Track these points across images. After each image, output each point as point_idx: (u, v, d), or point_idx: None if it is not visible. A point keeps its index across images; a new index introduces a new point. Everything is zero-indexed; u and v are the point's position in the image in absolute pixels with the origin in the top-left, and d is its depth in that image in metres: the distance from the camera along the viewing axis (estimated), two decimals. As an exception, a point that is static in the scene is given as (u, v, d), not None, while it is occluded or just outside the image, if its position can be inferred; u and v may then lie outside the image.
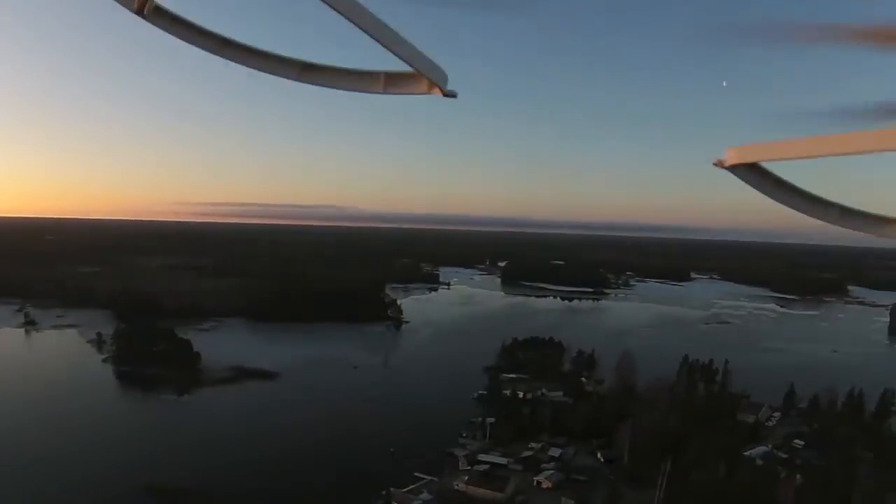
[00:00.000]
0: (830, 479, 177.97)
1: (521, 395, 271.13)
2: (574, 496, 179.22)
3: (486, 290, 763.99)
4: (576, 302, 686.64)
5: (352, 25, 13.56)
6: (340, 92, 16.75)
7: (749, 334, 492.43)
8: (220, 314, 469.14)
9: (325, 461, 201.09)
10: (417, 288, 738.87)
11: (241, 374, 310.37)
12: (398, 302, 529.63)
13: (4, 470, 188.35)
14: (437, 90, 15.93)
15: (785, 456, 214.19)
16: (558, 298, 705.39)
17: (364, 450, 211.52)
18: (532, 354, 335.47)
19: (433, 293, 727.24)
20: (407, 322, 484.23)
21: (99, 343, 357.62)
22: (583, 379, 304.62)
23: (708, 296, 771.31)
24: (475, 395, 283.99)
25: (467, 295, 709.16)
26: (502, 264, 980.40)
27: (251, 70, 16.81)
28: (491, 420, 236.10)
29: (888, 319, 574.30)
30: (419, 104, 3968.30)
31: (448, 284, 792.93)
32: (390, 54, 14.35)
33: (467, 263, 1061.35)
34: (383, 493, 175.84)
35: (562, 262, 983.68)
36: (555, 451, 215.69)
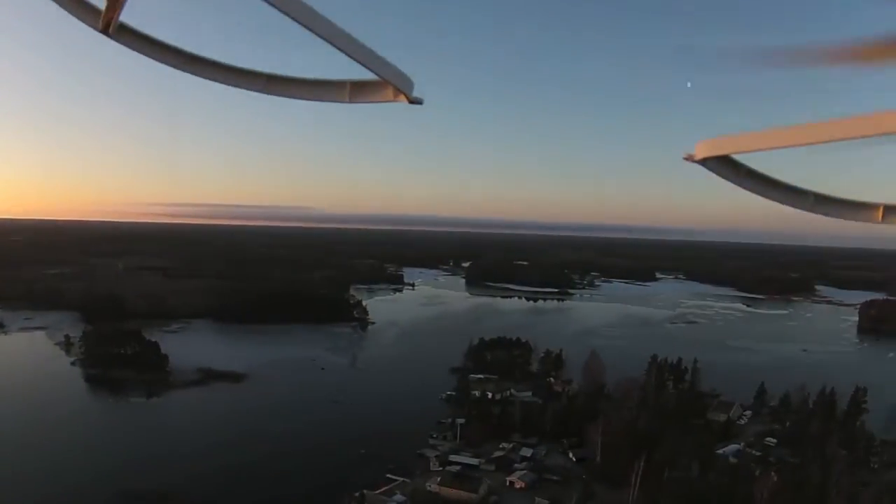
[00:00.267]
0: (805, 476, 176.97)
1: (490, 395, 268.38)
2: (547, 496, 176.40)
3: (450, 291, 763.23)
4: (541, 302, 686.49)
5: (315, 36, 13.63)
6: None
7: (716, 334, 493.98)
8: (187, 316, 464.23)
9: (295, 463, 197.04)
10: (382, 289, 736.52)
11: (210, 376, 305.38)
12: (363, 303, 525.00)
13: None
14: (402, 97, 16.12)
15: (758, 454, 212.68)
16: (523, 299, 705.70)
17: (334, 451, 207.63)
18: (499, 355, 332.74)
19: (398, 294, 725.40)
20: (373, 323, 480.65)
21: (67, 345, 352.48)
22: (551, 379, 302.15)
23: (674, 296, 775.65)
24: (443, 395, 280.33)
25: (432, 295, 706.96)
26: (466, 265, 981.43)
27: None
28: (461, 421, 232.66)
29: (857, 318, 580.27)
30: (382, 106, 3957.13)
31: (412, 285, 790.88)
32: (356, 64, 14.52)
33: (431, 264, 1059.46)
34: (356, 494, 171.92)
35: (525, 263, 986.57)
36: (526, 451, 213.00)
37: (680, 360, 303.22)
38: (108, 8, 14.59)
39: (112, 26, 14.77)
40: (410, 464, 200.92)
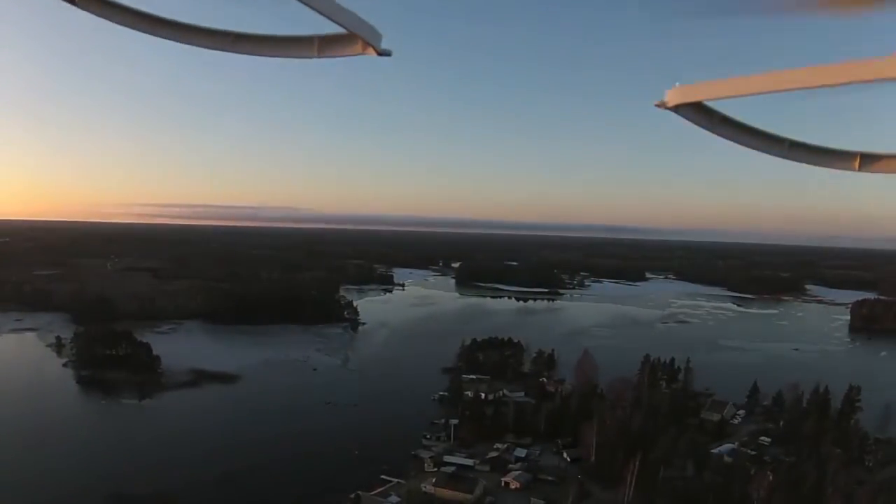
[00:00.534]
0: (801, 475, 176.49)
1: (483, 395, 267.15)
2: (542, 496, 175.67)
3: (440, 291, 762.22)
4: (531, 302, 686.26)
5: None
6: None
7: (708, 333, 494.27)
8: (177, 317, 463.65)
9: (290, 464, 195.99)
10: (372, 289, 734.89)
11: (202, 377, 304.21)
12: (354, 303, 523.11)
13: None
14: (371, 50, 16.03)
15: (752, 453, 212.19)
16: (513, 299, 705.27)
17: (328, 453, 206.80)
18: (491, 355, 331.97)
19: (388, 294, 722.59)
20: (364, 323, 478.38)
21: (58, 347, 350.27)
22: (543, 379, 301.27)
23: (664, 295, 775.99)
24: (436, 396, 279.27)
25: (422, 296, 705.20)
26: (456, 265, 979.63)
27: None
28: (454, 421, 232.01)
29: (849, 318, 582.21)
30: (371, 105, 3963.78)
31: (402, 285, 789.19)
32: (324, 20, 14.49)
33: (420, 265, 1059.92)
34: (351, 496, 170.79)
35: (515, 263, 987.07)
36: (520, 452, 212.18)
37: (673, 359, 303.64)
38: None
39: None
40: (405, 465, 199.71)
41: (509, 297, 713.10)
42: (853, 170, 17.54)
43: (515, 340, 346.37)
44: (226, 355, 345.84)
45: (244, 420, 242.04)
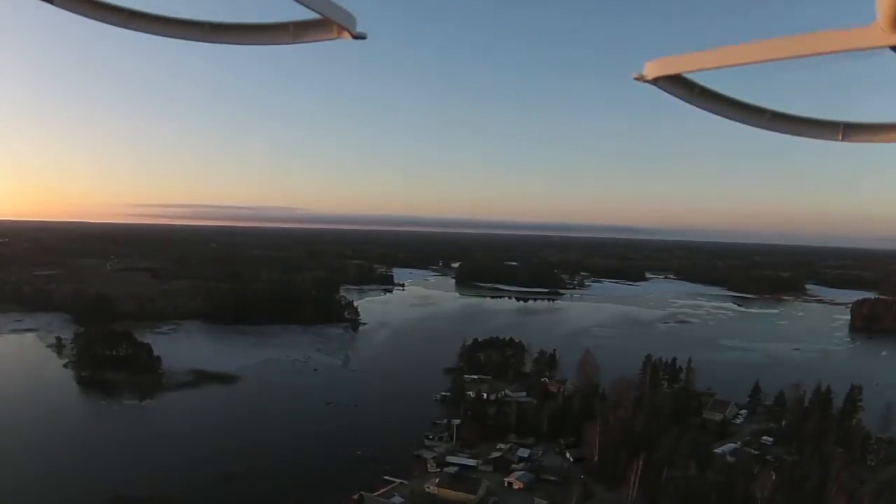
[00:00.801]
0: (804, 474, 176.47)
1: (485, 396, 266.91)
2: (546, 496, 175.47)
3: (440, 291, 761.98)
4: (531, 302, 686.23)
5: None
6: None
7: (709, 333, 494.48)
8: (177, 317, 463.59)
9: (292, 465, 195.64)
10: (372, 289, 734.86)
11: (203, 378, 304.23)
12: (354, 303, 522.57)
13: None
14: (346, 34, 16.16)
15: (755, 452, 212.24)
16: (513, 299, 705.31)
17: (331, 453, 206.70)
18: (492, 355, 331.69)
19: (388, 294, 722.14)
20: (364, 324, 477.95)
21: (59, 347, 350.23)
22: (545, 379, 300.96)
23: (664, 295, 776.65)
24: (438, 396, 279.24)
25: (422, 296, 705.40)
26: (456, 265, 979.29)
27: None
28: (457, 421, 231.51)
29: (849, 317, 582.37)
30: (370, 105, 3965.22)
31: (402, 286, 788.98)
32: (299, 7, 14.67)
33: (420, 265, 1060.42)
34: (355, 497, 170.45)
35: (515, 263, 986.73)
36: (523, 452, 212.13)
37: (674, 359, 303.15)
38: None
39: None
40: (407, 465, 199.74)
41: (509, 297, 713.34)
42: (837, 139, 17.53)
43: (517, 340, 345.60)
44: (226, 356, 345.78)
45: (245, 421, 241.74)
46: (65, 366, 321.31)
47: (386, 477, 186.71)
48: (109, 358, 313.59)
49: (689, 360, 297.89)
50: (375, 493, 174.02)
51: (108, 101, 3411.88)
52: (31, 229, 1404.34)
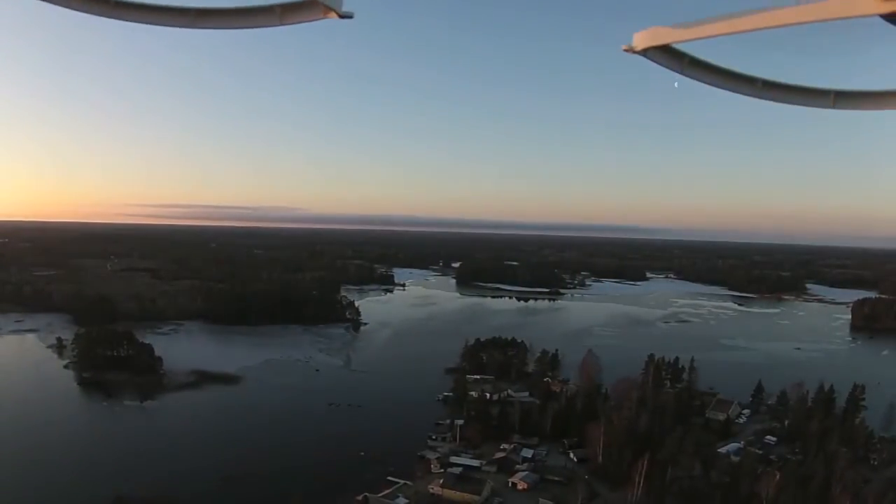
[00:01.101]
0: (808, 474, 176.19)
1: (488, 396, 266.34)
2: (550, 497, 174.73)
3: (441, 291, 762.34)
4: (532, 302, 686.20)
5: None
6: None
7: (710, 332, 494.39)
8: (177, 317, 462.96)
9: (294, 466, 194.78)
10: (373, 289, 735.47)
11: (204, 378, 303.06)
12: (355, 303, 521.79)
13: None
14: (332, 14, 16.24)
15: (759, 452, 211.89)
16: (514, 299, 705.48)
17: (334, 454, 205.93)
18: (495, 355, 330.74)
19: (389, 294, 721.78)
20: (365, 324, 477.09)
21: (59, 348, 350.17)
22: (547, 379, 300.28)
23: (665, 295, 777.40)
24: (440, 396, 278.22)
25: (423, 296, 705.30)
26: (456, 265, 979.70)
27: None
28: (460, 421, 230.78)
29: (850, 317, 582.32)
30: (368, 105, 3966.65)
31: (403, 285, 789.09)
32: None
33: (420, 264, 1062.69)
34: (359, 498, 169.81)
35: (515, 263, 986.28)
36: (527, 452, 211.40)
37: (677, 359, 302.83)
38: None
39: None
40: (411, 466, 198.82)
41: (510, 297, 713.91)
42: (828, 107, 17.81)
43: (518, 340, 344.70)
44: (227, 356, 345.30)
45: (247, 422, 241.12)
46: (65, 366, 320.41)
47: (389, 478, 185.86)
48: (110, 359, 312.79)
49: (692, 360, 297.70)
50: (379, 494, 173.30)
51: (108, 102, 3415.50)
52: (31, 230, 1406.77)
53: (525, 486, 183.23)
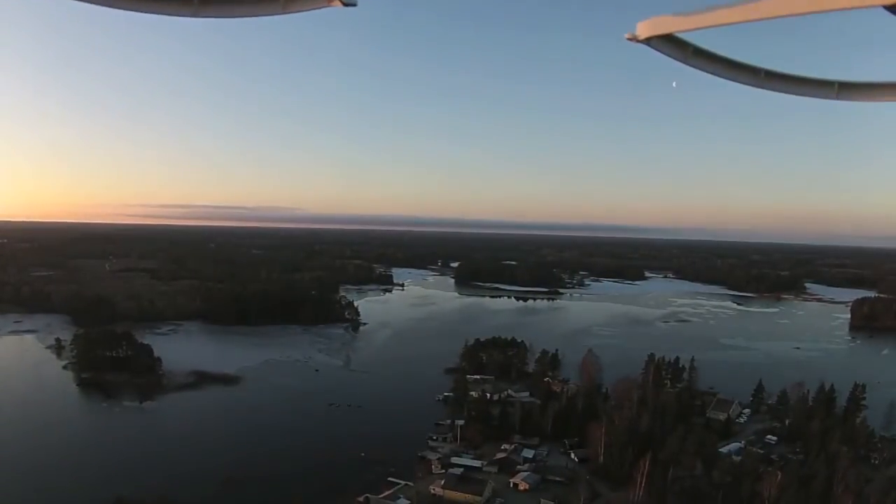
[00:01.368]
0: (810, 474, 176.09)
1: (488, 396, 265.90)
2: (551, 497, 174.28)
3: (440, 291, 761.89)
4: (531, 302, 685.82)
5: None
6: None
7: (709, 332, 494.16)
8: (176, 318, 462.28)
9: (295, 468, 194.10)
10: (371, 289, 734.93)
11: (203, 379, 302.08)
12: (354, 303, 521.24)
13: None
14: (336, 2, 16.16)
15: (760, 451, 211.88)
16: (513, 298, 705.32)
17: (334, 455, 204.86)
18: (494, 355, 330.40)
19: (388, 294, 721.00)
20: (364, 323, 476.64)
21: (58, 349, 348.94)
22: (547, 379, 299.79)
23: (664, 294, 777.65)
24: (440, 396, 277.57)
25: (422, 296, 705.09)
26: (455, 265, 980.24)
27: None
28: (460, 422, 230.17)
29: (849, 316, 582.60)
30: (366, 104, 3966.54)
31: (402, 285, 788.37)
32: None
33: (419, 264, 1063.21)
34: (360, 499, 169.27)
35: (514, 263, 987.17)
36: (528, 453, 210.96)
37: (677, 358, 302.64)
38: None
39: None
40: (412, 466, 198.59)
41: (509, 297, 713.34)
42: (832, 98, 17.67)
43: (518, 340, 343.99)
44: (226, 356, 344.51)
45: (247, 422, 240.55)
46: (64, 367, 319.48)
47: (390, 479, 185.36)
48: (109, 359, 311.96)
49: (692, 360, 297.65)
50: (380, 496, 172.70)
51: (107, 101, 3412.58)
52: (30, 230, 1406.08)
53: (526, 487, 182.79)
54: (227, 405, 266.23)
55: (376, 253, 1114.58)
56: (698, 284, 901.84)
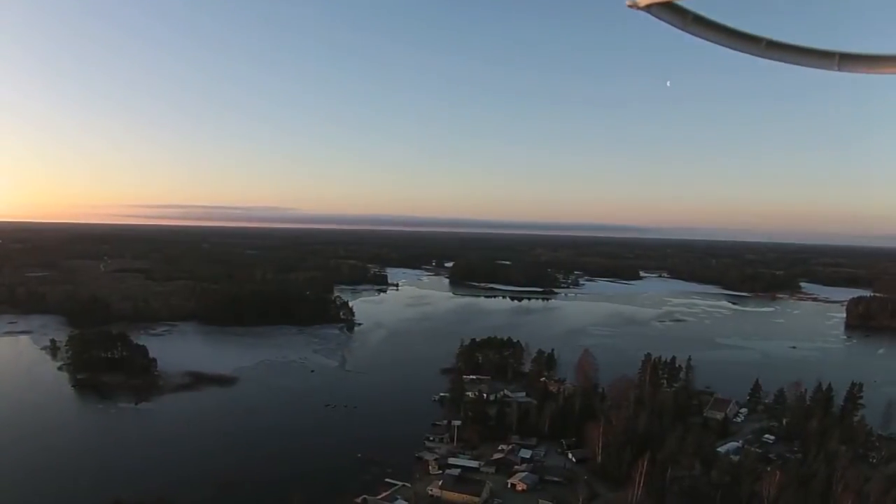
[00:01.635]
0: (810, 473, 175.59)
1: (485, 396, 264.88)
2: (550, 498, 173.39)
3: (435, 291, 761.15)
4: (525, 302, 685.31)
5: None
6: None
7: (705, 331, 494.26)
8: (171, 318, 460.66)
9: (292, 469, 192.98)
10: (366, 289, 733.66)
11: (199, 379, 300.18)
12: (349, 303, 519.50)
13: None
14: None
15: (758, 451, 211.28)
16: (507, 298, 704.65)
17: (330, 456, 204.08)
18: (490, 355, 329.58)
19: (382, 294, 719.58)
20: (359, 324, 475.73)
21: (53, 350, 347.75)
22: (544, 379, 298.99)
23: (659, 294, 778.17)
24: (436, 397, 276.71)
25: (417, 296, 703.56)
26: (449, 265, 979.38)
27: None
28: (457, 422, 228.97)
29: (844, 315, 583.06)
30: (365, 104, 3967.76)
31: (397, 285, 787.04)
32: None
33: (413, 264, 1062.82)
34: (357, 500, 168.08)
35: (508, 262, 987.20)
36: (525, 453, 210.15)
37: (674, 358, 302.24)
38: None
39: None
40: (409, 467, 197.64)
41: (503, 297, 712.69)
42: (833, 69, 17.51)
43: (514, 340, 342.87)
44: (222, 357, 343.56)
45: (243, 424, 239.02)
46: (59, 368, 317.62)
47: (388, 479, 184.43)
48: (104, 360, 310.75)
49: (689, 359, 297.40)
50: (378, 497, 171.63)
51: (103, 102, 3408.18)
52: (24, 231, 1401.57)
53: (524, 487, 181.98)
54: (224, 406, 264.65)
55: (371, 253, 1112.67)
56: (693, 284, 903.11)
